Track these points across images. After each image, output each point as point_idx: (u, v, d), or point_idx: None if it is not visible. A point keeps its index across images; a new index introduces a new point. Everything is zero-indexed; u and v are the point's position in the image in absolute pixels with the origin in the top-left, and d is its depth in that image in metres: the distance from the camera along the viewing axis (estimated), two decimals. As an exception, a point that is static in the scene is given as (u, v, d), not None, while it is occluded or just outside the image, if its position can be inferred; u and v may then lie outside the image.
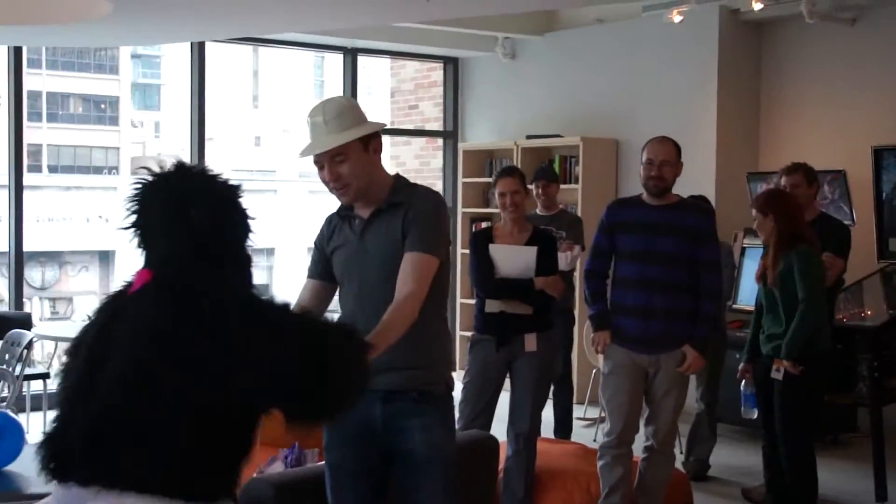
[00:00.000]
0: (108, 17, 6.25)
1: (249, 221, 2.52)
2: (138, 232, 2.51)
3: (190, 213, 2.41)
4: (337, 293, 3.41)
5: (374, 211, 3.26)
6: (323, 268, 3.37)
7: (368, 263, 3.25)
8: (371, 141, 3.23)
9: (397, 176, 3.37)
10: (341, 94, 9.67)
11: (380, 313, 3.04)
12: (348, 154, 3.15)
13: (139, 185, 2.50)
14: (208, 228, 2.42)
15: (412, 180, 3.43)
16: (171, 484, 2.23)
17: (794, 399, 5.14)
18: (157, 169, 2.50)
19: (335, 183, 3.20)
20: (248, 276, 2.52)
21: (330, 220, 3.42)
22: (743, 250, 7.44)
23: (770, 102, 8.30)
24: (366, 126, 3.22)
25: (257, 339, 2.27)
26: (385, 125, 3.42)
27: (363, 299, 3.25)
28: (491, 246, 5.25)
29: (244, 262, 2.51)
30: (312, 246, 3.47)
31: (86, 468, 2.26)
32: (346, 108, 3.23)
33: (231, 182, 2.53)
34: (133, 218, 2.50)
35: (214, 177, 2.51)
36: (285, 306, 2.42)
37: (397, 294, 3.08)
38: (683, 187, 5.12)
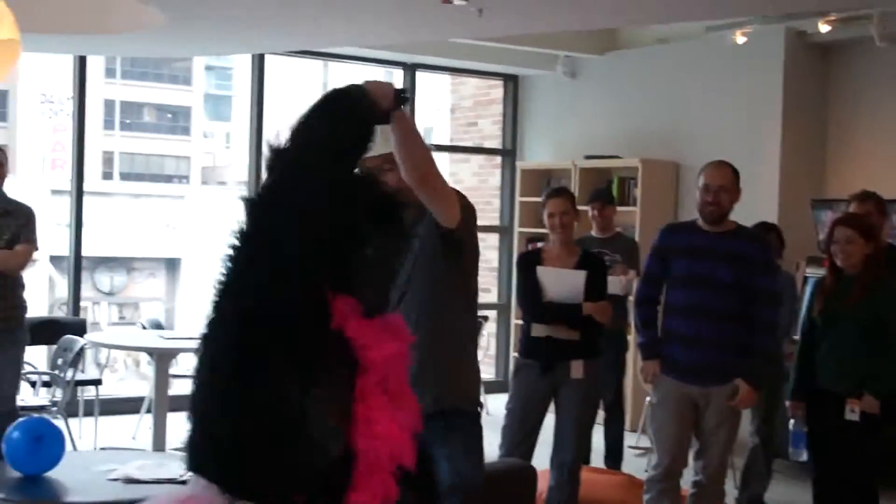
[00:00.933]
0: (162, 28, 6.30)
1: None
2: None
3: None
4: None
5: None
6: None
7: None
8: None
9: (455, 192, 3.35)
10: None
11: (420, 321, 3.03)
12: (395, 164, 3.14)
13: None
14: None
15: (470, 198, 3.39)
16: None
17: (875, 441, 4.86)
18: None
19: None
20: None
21: None
22: (805, 280, 7.25)
23: (838, 127, 8.09)
24: None
25: None
26: (431, 147, 3.42)
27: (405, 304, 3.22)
28: (539, 268, 5.16)
29: None
30: None
31: None
32: None
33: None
34: None
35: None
36: None
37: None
38: (746, 213, 4.97)
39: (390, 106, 2.55)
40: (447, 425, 3.17)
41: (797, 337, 6.91)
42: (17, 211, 5.82)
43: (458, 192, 3.35)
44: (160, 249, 25.03)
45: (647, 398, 7.46)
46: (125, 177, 32.26)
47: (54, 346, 7.02)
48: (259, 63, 8.83)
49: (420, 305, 3.11)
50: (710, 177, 4.77)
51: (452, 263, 3.20)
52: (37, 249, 5.89)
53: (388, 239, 2.29)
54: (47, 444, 4.08)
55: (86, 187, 8.47)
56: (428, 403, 3.09)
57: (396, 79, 9.60)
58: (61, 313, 8.68)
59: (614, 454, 6.85)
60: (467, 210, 3.27)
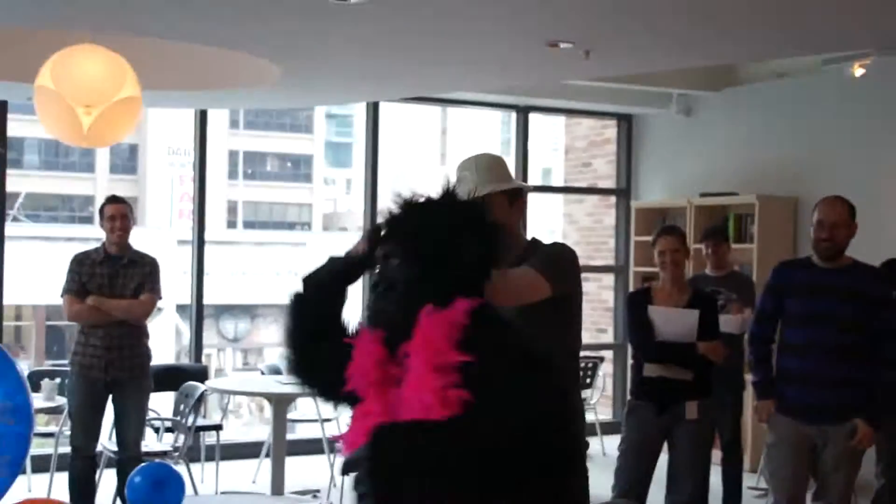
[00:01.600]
0: (277, 81, 6.48)
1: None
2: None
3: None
4: None
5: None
6: None
7: None
8: (517, 199, 3.28)
9: (534, 239, 3.37)
10: (513, 151, 9.77)
11: None
12: (492, 206, 3.12)
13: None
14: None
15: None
16: None
17: None
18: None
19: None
20: None
21: None
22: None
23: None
24: (510, 182, 3.29)
25: None
26: (528, 187, 3.50)
27: None
28: (650, 308, 5.12)
29: None
30: None
31: None
32: (493, 162, 3.32)
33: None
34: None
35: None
36: None
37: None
38: (871, 248, 4.84)
39: None
40: None
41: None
42: (142, 261, 6.04)
43: (557, 242, 3.35)
44: (283, 296, 25.42)
45: (765, 440, 7.32)
46: (249, 225, 32.99)
47: (177, 393, 7.20)
48: (374, 111, 8.98)
49: None
50: (823, 213, 4.68)
51: (549, 315, 3.19)
52: (160, 298, 6.09)
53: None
54: (168, 489, 4.17)
55: (210, 236, 8.70)
56: None
57: (510, 122, 9.64)
58: (187, 360, 8.88)
59: (733, 495, 6.70)
60: (560, 268, 3.23)
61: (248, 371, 23.35)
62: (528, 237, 3.36)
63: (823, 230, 4.64)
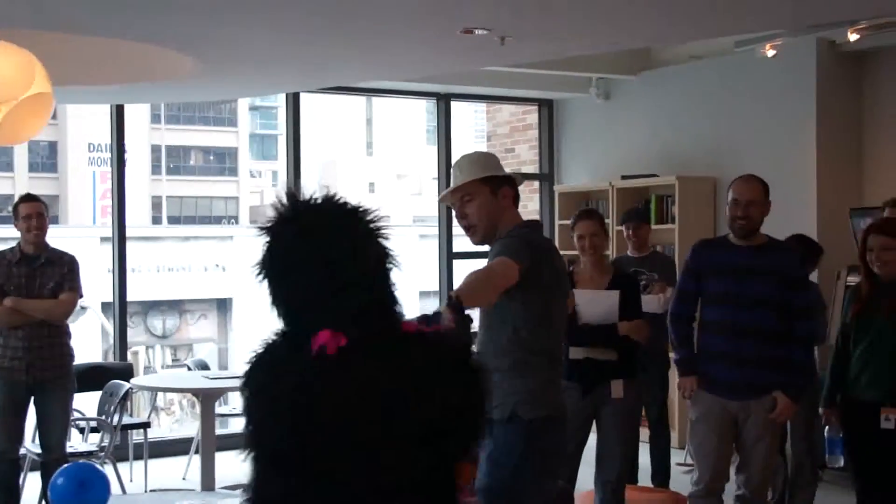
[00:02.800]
0: (195, 74, 6.41)
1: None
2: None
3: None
4: None
5: None
6: None
7: None
8: (500, 188, 3.46)
9: (521, 223, 3.53)
10: (436, 138, 9.80)
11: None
12: (475, 195, 3.42)
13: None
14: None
15: None
16: None
17: None
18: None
19: (462, 221, 3.48)
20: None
21: None
22: (846, 289, 7.17)
23: (873, 135, 8.03)
24: (487, 171, 3.45)
25: None
26: (512, 177, 3.61)
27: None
28: (573, 291, 5.16)
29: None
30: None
31: None
32: (478, 157, 3.58)
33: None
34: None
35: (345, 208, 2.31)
36: None
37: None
38: (784, 225, 4.92)
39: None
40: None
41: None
42: (59, 260, 5.94)
43: (525, 237, 3.44)
44: (211, 290, 25.24)
45: (688, 416, 7.43)
46: (174, 220, 32.65)
47: (101, 392, 7.11)
48: (294, 102, 8.92)
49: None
50: (738, 191, 4.76)
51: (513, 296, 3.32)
52: (81, 297, 6.00)
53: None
54: (91, 489, 4.13)
55: (135, 232, 8.60)
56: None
57: (429, 110, 9.67)
58: (110, 360, 8.78)
59: (661, 472, 6.81)
60: (517, 239, 3.38)
61: (178, 367, 23.11)
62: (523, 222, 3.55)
63: (739, 208, 4.72)
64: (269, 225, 2.25)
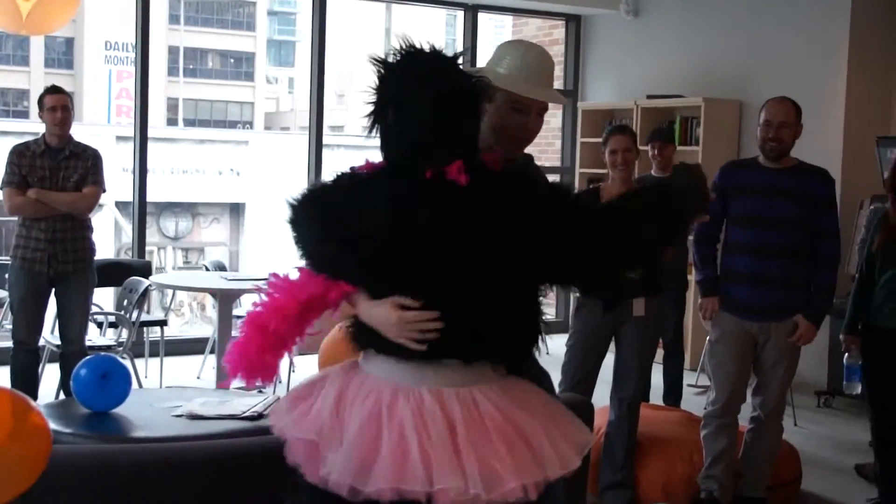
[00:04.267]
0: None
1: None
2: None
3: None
4: None
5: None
6: None
7: None
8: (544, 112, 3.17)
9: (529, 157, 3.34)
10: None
11: None
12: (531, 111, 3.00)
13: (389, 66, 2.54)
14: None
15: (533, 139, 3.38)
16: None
17: None
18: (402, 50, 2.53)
19: (534, 135, 3.06)
20: None
21: None
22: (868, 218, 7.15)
23: (906, 62, 7.91)
24: (552, 93, 3.09)
25: None
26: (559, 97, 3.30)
27: None
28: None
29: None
30: None
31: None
32: (546, 63, 3.05)
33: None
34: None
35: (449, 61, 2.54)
36: None
37: None
38: (811, 151, 4.87)
39: None
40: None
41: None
42: (84, 154, 5.93)
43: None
44: (224, 194, 25.27)
45: (708, 336, 7.45)
46: (189, 123, 32.56)
47: (120, 289, 7.14)
48: (321, 7, 8.82)
49: None
50: (771, 112, 4.71)
51: None
52: (104, 192, 6.01)
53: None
54: (114, 382, 4.17)
55: (150, 133, 8.55)
56: None
57: (455, 23, 9.55)
58: (127, 258, 8.81)
59: (673, 392, 6.85)
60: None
61: (189, 269, 23.24)
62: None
63: (771, 129, 4.67)
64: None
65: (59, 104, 5.84)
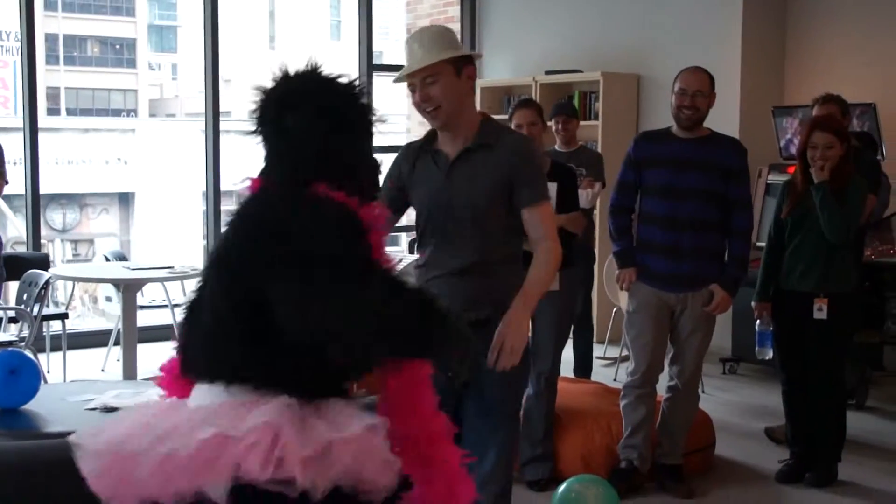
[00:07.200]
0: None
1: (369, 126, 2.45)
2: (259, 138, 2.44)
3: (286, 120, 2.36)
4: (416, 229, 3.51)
5: (463, 150, 3.34)
6: (392, 199, 3.40)
7: (455, 202, 3.34)
8: (464, 68, 3.28)
9: (484, 115, 3.44)
10: (357, 33, 9.59)
11: (464, 252, 3.29)
12: (439, 75, 3.22)
13: (258, 91, 2.43)
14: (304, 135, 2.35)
15: None
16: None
17: (836, 339, 5.00)
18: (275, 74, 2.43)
19: (426, 104, 3.26)
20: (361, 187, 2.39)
21: (410, 152, 3.48)
22: (767, 187, 7.30)
23: (796, 33, 8.08)
24: (457, 50, 3.28)
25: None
26: (480, 55, 3.65)
27: (448, 237, 3.36)
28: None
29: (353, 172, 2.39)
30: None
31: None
32: (439, 33, 3.31)
33: (349, 82, 2.43)
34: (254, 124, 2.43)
35: (324, 79, 2.42)
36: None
37: (538, 249, 3.31)
38: (708, 122, 4.94)
39: None
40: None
41: (758, 243, 7.03)
42: None
43: (517, 133, 3.82)
44: (112, 184, 24.73)
45: (615, 309, 7.54)
46: (71, 112, 31.73)
47: (19, 283, 6.92)
48: (210, -9, 8.62)
49: (476, 233, 3.36)
50: (686, 81, 4.75)
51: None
52: (7, 184, 5.85)
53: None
54: (23, 377, 4.03)
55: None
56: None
57: (351, 3, 9.45)
58: (21, 251, 8.54)
59: (584, 365, 6.92)
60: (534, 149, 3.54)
61: (80, 262, 22.70)
62: (478, 112, 3.44)
63: (686, 98, 4.71)
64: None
65: None
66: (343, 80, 2.42)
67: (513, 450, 3.53)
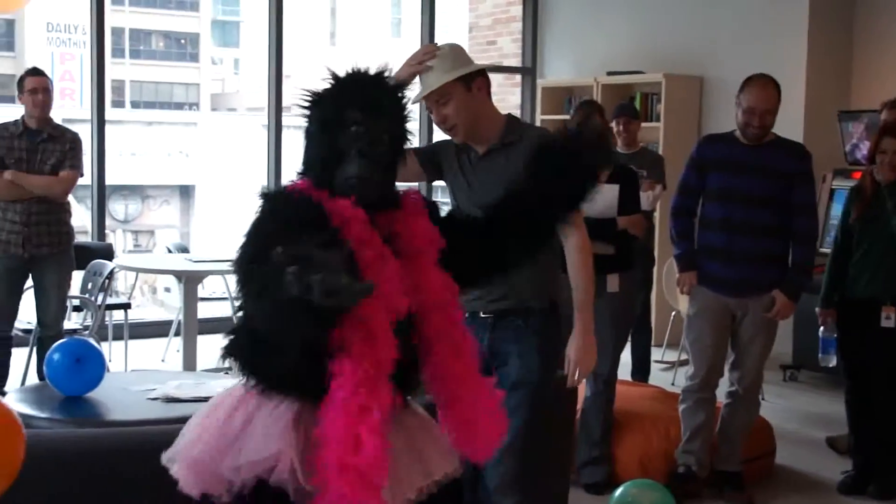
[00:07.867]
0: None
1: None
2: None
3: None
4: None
5: (487, 150, 3.40)
6: (427, 159, 3.52)
7: (478, 200, 3.23)
8: (473, 81, 3.35)
9: (509, 115, 3.49)
10: (419, 31, 9.62)
11: None
12: (450, 95, 3.31)
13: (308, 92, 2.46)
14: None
15: None
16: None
17: None
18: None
19: (443, 124, 3.37)
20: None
21: (452, 143, 3.53)
22: (832, 192, 7.21)
23: (864, 36, 7.96)
24: (461, 69, 3.33)
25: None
26: (482, 66, 3.52)
27: None
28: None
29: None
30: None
31: None
32: (446, 53, 3.37)
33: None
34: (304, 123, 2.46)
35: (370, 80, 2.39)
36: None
37: (566, 245, 3.41)
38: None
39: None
40: (524, 323, 3.35)
41: (822, 248, 6.93)
42: (62, 137, 5.94)
43: (541, 127, 3.64)
44: (174, 176, 25.02)
45: (673, 313, 7.49)
46: (135, 105, 32.12)
47: (83, 272, 7.02)
48: (275, -13, 8.69)
49: None
50: (755, 100, 4.62)
51: None
52: (81, 175, 6.00)
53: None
54: (88, 365, 4.10)
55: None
56: (506, 305, 3.35)
57: (399, 2, 9.49)
58: (85, 240, 8.66)
59: (642, 368, 6.89)
60: None
61: (140, 253, 22.96)
62: (504, 114, 3.47)
63: (755, 117, 4.61)
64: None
65: (39, 86, 5.84)
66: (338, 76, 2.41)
67: (532, 434, 3.41)
